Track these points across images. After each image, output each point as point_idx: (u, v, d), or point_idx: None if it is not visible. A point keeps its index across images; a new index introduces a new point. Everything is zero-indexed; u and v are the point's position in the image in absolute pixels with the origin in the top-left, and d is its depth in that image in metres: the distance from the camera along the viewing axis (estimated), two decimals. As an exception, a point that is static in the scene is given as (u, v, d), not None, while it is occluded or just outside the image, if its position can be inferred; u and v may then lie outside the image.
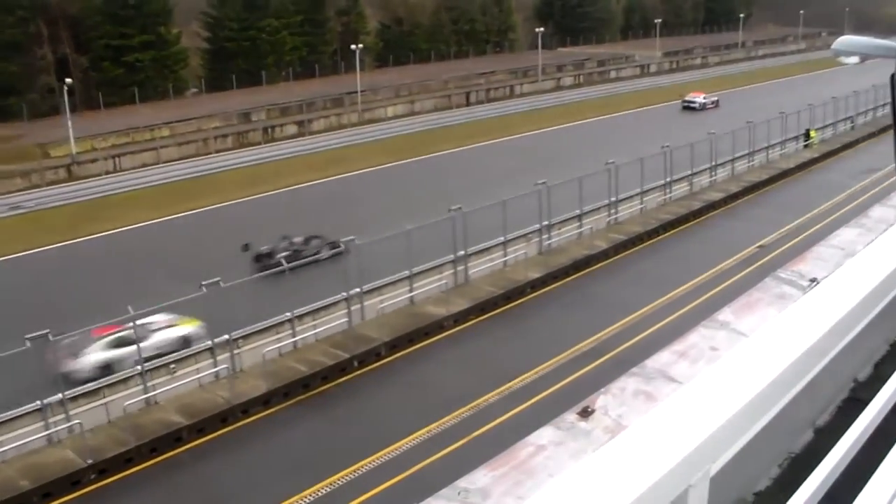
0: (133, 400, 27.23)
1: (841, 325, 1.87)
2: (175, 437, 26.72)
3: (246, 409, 28.37)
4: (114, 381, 27.99)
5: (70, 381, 28.00)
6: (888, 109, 17.34)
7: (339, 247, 37.41)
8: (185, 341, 31.29)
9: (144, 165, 67.65)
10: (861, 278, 2.05)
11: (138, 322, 27.96)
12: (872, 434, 2.40)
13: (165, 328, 31.12)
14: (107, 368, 29.37)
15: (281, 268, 32.38)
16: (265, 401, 28.83)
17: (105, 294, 35.86)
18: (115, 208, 54.86)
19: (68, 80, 69.27)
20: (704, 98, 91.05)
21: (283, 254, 36.77)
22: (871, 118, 76.42)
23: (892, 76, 16.70)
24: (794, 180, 58.86)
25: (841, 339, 1.92)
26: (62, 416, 26.23)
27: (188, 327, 31.61)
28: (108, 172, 65.60)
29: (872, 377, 5.05)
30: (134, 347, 28.10)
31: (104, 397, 27.47)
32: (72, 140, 66.38)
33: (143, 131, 73.29)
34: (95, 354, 29.79)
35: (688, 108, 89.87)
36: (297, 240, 41.37)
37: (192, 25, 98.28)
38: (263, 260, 39.10)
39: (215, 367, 29.56)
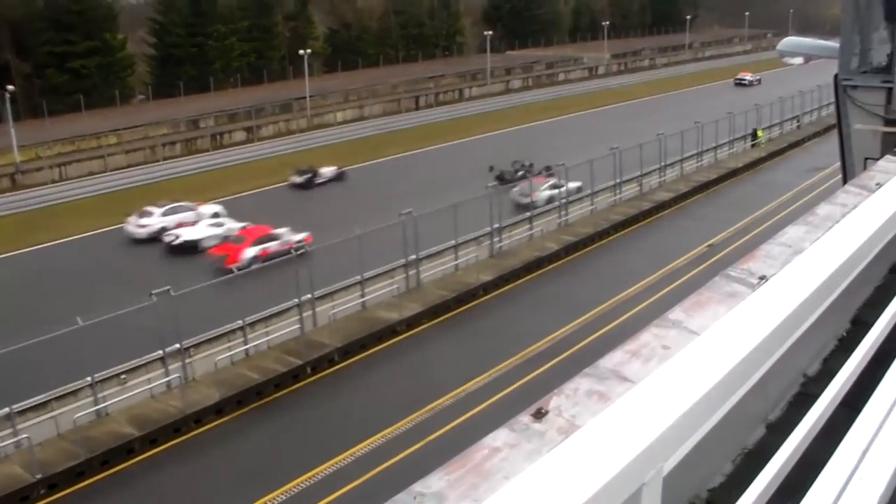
0: (83, 412, 26.90)
1: (790, 321, 1.89)
2: (127, 449, 26.43)
3: (199, 418, 28.14)
4: (62, 393, 27.62)
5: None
6: (833, 109, 17.53)
7: None
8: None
9: (91, 174, 66.78)
10: (809, 275, 2.07)
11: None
12: (822, 428, 2.43)
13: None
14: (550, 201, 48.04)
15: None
16: (218, 409, 28.62)
17: (50, 306, 35.45)
18: (61, 217, 54.24)
19: (10, 88, 68.37)
20: (752, 77, 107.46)
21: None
22: (817, 118, 77.51)
23: (836, 76, 16.84)
24: (742, 179, 59.50)
25: (790, 335, 1.94)
26: (9, 430, 25.75)
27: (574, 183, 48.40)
28: (53, 181, 64.62)
29: (822, 372, 5.11)
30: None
31: (53, 410, 27.06)
32: (15, 149, 65.31)
33: (90, 139, 72.41)
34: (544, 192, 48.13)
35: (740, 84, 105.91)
36: None
37: (139, 31, 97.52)
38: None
39: (167, 376, 29.29)
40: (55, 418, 26.85)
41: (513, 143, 72.74)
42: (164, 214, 49.79)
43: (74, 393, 27.74)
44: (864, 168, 13.48)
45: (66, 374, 27.64)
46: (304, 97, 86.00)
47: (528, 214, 44.38)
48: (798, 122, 75.99)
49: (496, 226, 41.79)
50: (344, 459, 25.64)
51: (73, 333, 26.16)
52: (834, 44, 17.54)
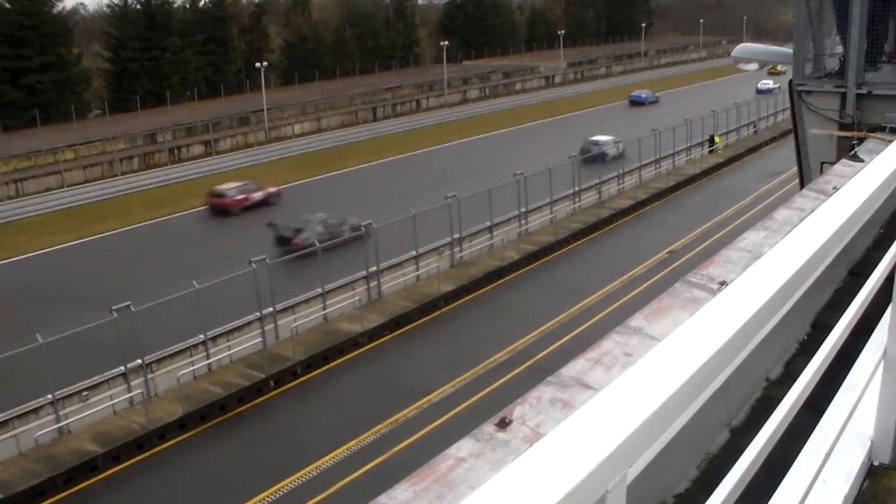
0: (45, 430, 26.61)
1: (751, 325, 1.90)
2: (90, 467, 26.20)
3: (162, 434, 27.95)
4: (24, 411, 27.33)
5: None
6: (789, 114, 17.73)
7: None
8: None
9: (49, 189, 66.14)
10: (768, 279, 2.08)
11: None
12: (786, 431, 2.44)
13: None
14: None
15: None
16: (181, 425, 28.45)
17: (8, 323, 35.14)
18: (17, 234, 53.77)
19: (-37, 104, 67.79)
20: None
21: None
22: (773, 123, 78.26)
23: (790, 82, 16.99)
24: (700, 185, 59.91)
25: (751, 339, 1.95)
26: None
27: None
28: (9, 198, 63.94)
29: (784, 375, 5.14)
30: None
31: (14, 428, 26.78)
32: (-30, 165, 64.79)
33: (46, 154, 71.70)
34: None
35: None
36: None
37: (94, 45, 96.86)
38: None
39: (129, 392, 29.07)
40: (16, 437, 26.57)
41: (470, 152, 72.95)
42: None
43: (35, 411, 27.46)
44: (821, 172, 13.62)
45: (27, 392, 27.35)
46: (262, 110, 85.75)
47: (487, 224, 44.31)
48: (755, 127, 76.68)
49: (456, 236, 41.83)
50: (309, 472, 25.54)
51: (32, 351, 25.95)
52: (787, 50, 17.71)
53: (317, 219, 45.67)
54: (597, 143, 64.06)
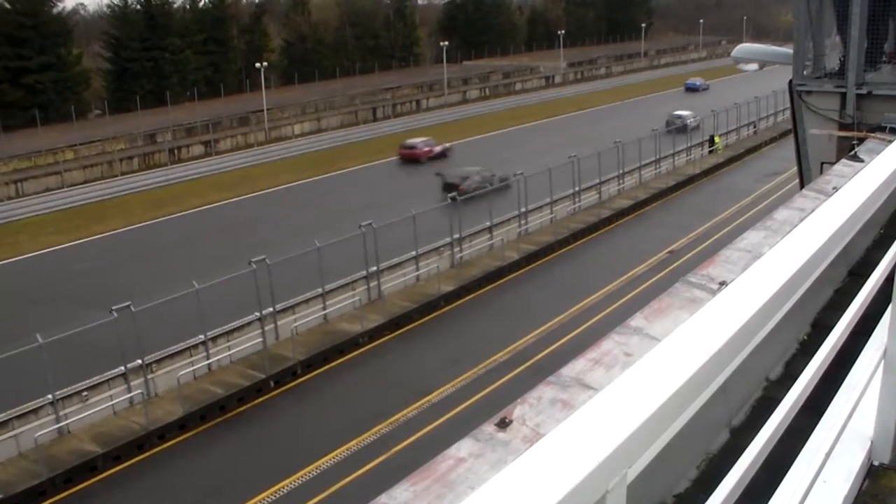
0: (45, 430, 26.61)
1: (751, 325, 1.90)
2: (90, 467, 26.20)
3: (162, 434, 27.95)
4: (24, 411, 27.33)
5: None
6: (789, 114, 17.72)
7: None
8: None
9: (48, 190, 66.17)
10: (768, 280, 2.08)
11: None
12: (786, 431, 2.44)
13: None
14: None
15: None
16: (181, 425, 28.45)
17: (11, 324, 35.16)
18: (17, 234, 53.79)
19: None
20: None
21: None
22: (773, 123, 78.21)
23: (790, 82, 16.98)
24: (700, 185, 59.87)
25: (751, 339, 1.95)
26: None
27: None
28: (9, 198, 63.96)
29: (784, 376, 5.15)
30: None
31: (14, 429, 26.78)
32: (-30, 165, 64.82)
33: (46, 155, 71.70)
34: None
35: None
36: None
37: (94, 46, 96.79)
38: None
39: (129, 392, 29.06)
40: (16, 437, 26.58)
41: (472, 151, 72.88)
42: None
43: (35, 411, 27.45)
44: (821, 172, 13.62)
45: (27, 392, 27.35)
46: (262, 110, 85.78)
47: (487, 224, 44.32)
48: (755, 127, 76.64)
49: (456, 236, 41.83)
50: (309, 473, 25.54)
51: (32, 351, 25.95)
52: (787, 50, 17.69)
53: (474, 171, 57.73)
54: (679, 117, 74.83)
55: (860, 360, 3.95)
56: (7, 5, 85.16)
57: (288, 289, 34.28)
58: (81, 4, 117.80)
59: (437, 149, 71.75)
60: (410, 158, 70.82)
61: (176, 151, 77.54)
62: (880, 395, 3.57)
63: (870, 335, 4.10)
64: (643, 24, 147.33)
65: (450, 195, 45.74)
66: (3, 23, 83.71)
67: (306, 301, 35.58)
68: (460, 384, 30.44)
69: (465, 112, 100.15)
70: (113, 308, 27.94)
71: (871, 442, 3.74)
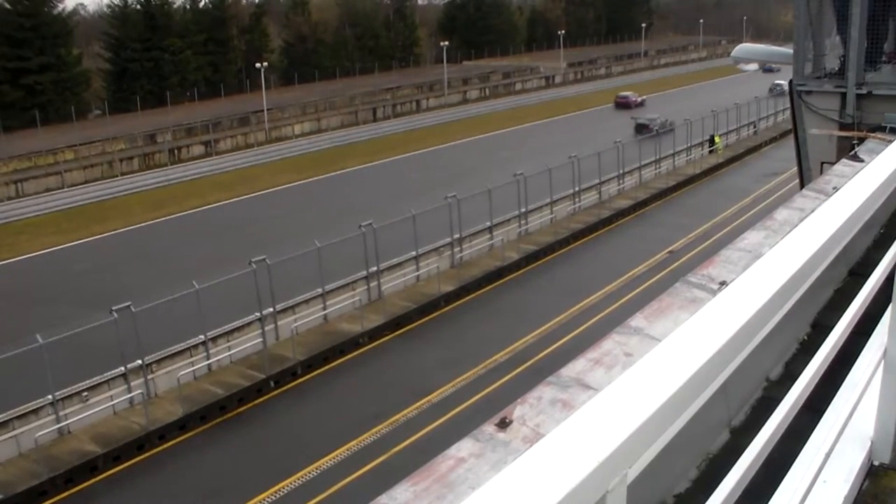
0: (45, 431, 26.60)
1: (751, 325, 1.90)
2: (91, 467, 26.18)
3: (162, 434, 27.93)
4: (24, 411, 27.32)
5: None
6: (789, 114, 17.72)
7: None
8: None
9: (48, 190, 66.10)
10: (768, 280, 2.08)
11: None
12: (786, 431, 2.44)
13: None
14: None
15: None
16: (181, 425, 28.43)
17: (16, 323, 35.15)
18: (17, 234, 53.79)
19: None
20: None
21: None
22: (773, 123, 78.26)
23: (790, 82, 16.98)
24: (700, 186, 59.86)
25: (751, 339, 1.95)
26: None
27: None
28: (9, 198, 63.89)
29: (784, 376, 5.15)
30: None
31: (14, 429, 26.76)
32: (-30, 166, 64.78)
33: (46, 155, 71.62)
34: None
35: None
36: None
37: (94, 46, 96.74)
38: None
39: (129, 392, 29.05)
40: (16, 437, 26.55)
41: (471, 151, 72.91)
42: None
43: (35, 411, 27.44)
44: (821, 172, 13.62)
45: (27, 392, 27.33)
46: (262, 110, 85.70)
47: (488, 224, 44.27)
48: (755, 127, 76.66)
49: (457, 236, 41.82)
50: (309, 473, 25.53)
51: (32, 351, 25.94)
52: (787, 50, 17.72)
53: (655, 116, 77.68)
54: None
55: (860, 360, 3.95)
56: (7, 6, 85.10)
57: (288, 289, 34.27)
58: (81, 5, 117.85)
59: (639, 99, 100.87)
60: (624, 105, 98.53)
61: (176, 152, 77.46)
62: (880, 395, 3.57)
63: (870, 335, 4.11)
64: (643, 25, 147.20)
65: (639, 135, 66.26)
66: (3, 23, 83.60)
67: (306, 301, 35.57)
68: (460, 384, 30.43)
69: (466, 112, 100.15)
70: (113, 308, 27.93)
71: (872, 442, 3.74)
